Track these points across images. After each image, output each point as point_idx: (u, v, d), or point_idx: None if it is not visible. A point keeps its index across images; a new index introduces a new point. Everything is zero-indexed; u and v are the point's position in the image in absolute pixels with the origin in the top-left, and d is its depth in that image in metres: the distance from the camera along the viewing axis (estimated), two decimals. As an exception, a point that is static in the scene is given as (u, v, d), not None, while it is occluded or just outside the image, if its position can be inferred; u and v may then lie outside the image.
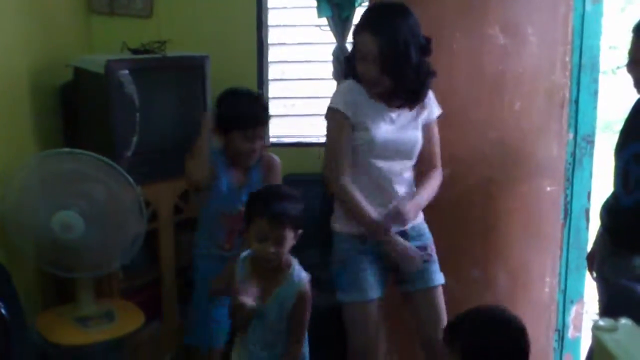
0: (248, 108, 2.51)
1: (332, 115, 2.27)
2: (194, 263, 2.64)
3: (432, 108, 2.35)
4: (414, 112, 2.31)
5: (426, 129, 2.34)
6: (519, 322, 1.69)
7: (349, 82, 2.30)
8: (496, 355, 1.65)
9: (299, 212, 2.10)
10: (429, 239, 2.37)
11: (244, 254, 2.18)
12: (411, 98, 2.26)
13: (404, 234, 2.31)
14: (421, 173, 2.37)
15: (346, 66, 2.35)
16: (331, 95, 2.32)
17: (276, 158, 2.62)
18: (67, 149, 2.49)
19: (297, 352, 2.15)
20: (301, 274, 2.14)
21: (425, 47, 2.22)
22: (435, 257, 2.37)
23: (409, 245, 2.28)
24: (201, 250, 2.61)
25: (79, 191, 2.44)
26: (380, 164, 2.26)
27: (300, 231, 2.12)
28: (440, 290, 2.37)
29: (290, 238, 2.08)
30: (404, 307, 2.43)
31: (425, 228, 2.38)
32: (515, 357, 1.66)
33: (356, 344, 2.34)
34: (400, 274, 2.35)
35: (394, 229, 2.26)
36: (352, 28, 3.17)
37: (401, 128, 2.28)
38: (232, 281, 2.19)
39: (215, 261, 2.54)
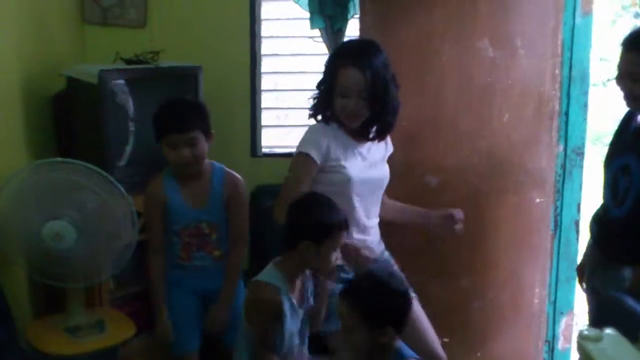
0: (165, 115, 2.44)
1: (302, 159, 2.25)
2: None
3: (389, 146, 2.44)
4: (382, 148, 2.38)
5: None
6: (403, 284, 1.96)
7: (319, 126, 2.31)
8: (388, 315, 1.88)
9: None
10: (391, 262, 2.41)
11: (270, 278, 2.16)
12: (384, 131, 2.32)
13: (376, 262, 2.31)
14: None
15: (319, 100, 2.32)
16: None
17: (240, 179, 2.55)
18: (59, 159, 2.48)
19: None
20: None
21: (395, 81, 2.28)
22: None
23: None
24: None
25: (70, 201, 2.43)
26: (356, 201, 2.29)
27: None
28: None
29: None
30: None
31: (386, 252, 2.43)
32: (401, 313, 1.91)
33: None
34: None
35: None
36: (344, 39, 3.25)
37: (373, 164, 2.34)
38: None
39: (175, 268, 2.55)
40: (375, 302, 1.86)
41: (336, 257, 2.09)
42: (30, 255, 2.44)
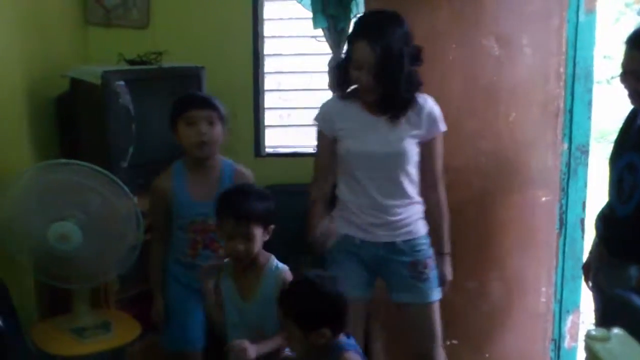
0: (186, 96, 2.51)
1: (317, 133, 2.40)
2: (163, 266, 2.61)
3: (433, 125, 2.32)
4: (405, 124, 2.30)
5: (426, 146, 2.33)
6: (337, 291, 1.92)
7: (329, 99, 2.36)
8: (322, 318, 1.88)
9: (266, 209, 2.15)
10: (423, 255, 2.34)
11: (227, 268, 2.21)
12: (400, 107, 2.26)
13: (393, 246, 2.31)
14: (424, 191, 2.38)
15: (337, 73, 2.36)
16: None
17: (248, 172, 2.54)
18: (63, 160, 2.48)
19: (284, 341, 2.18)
20: (279, 265, 2.21)
21: (416, 57, 2.24)
22: (430, 275, 2.35)
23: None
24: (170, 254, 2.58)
25: (75, 202, 2.43)
26: (361, 174, 2.29)
27: (271, 226, 2.17)
28: (431, 308, 2.37)
29: (259, 234, 2.13)
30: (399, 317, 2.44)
31: (422, 244, 2.35)
32: (336, 315, 1.90)
33: None
34: (385, 281, 2.39)
35: (383, 237, 2.31)
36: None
37: (388, 140, 2.28)
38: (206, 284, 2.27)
39: (182, 267, 2.53)
40: (307, 306, 1.88)
41: (234, 247, 2.12)
42: (36, 256, 2.45)
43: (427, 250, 2.36)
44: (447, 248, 2.39)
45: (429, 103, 2.32)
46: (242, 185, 2.32)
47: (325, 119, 2.35)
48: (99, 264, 2.53)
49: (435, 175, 2.37)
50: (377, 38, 2.17)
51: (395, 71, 2.19)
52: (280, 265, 2.20)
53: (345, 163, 2.32)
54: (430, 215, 2.38)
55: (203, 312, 2.52)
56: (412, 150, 2.30)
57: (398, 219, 2.31)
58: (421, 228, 2.36)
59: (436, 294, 2.37)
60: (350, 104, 2.30)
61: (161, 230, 2.51)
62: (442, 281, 2.38)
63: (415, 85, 2.25)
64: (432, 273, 2.36)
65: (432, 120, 2.32)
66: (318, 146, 2.40)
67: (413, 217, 2.35)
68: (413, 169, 2.33)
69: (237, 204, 2.12)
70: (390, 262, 2.34)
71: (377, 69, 2.17)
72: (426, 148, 2.33)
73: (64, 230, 2.38)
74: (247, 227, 2.10)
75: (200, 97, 2.50)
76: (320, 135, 2.37)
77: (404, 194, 2.32)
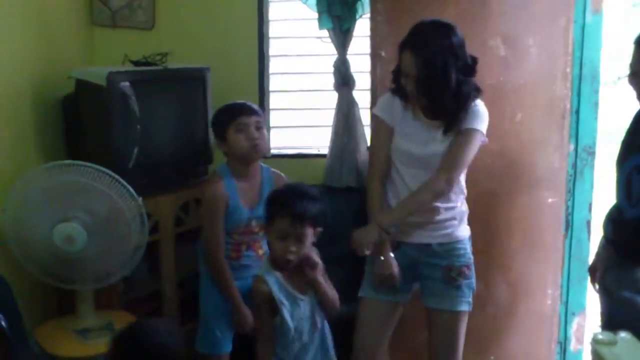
0: (232, 105, 2.57)
1: (374, 122, 2.41)
2: (201, 271, 2.63)
3: (467, 120, 2.25)
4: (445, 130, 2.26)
5: (455, 136, 2.27)
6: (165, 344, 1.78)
7: (388, 94, 2.35)
8: None
9: (318, 211, 2.17)
10: (459, 260, 2.32)
11: (265, 266, 2.22)
12: (449, 119, 2.24)
13: (428, 248, 2.30)
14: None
15: (392, 77, 2.35)
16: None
17: (284, 176, 2.64)
18: (68, 161, 2.48)
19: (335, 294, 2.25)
20: (315, 250, 2.25)
21: (468, 68, 2.21)
22: (463, 283, 2.32)
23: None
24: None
25: (80, 203, 2.44)
26: (405, 171, 2.30)
27: (319, 229, 2.19)
28: (457, 317, 2.35)
29: (310, 235, 2.16)
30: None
31: (459, 248, 2.32)
32: None
33: (355, 338, 2.38)
34: (420, 285, 2.38)
35: (418, 238, 2.31)
36: (353, 40, 3.24)
37: (427, 140, 2.26)
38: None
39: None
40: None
41: (286, 247, 2.13)
42: (41, 258, 2.45)
43: (464, 257, 2.33)
44: (382, 219, 2.26)
45: (476, 105, 2.27)
46: (295, 185, 2.31)
47: (385, 110, 2.33)
48: (103, 265, 2.53)
49: (448, 160, 2.25)
50: (420, 49, 2.17)
51: (438, 83, 2.17)
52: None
53: (393, 159, 2.33)
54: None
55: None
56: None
57: (436, 220, 2.30)
58: (460, 232, 2.34)
59: (465, 305, 2.35)
60: (404, 102, 2.30)
61: (222, 239, 2.51)
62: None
63: (464, 98, 2.21)
64: (466, 282, 2.33)
65: (469, 116, 2.25)
66: (376, 138, 2.38)
67: (452, 220, 2.32)
68: None
69: (292, 205, 2.13)
70: (425, 264, 2.34)
71: (419, 79, 2.18)
72: (456, 137, 2.26)
73: (69, 231, 2.39)
74: (302, 227, 2.13)
75: (247, 104, 2.58)
76: (381, 126, 2.34)
77: (447, 197, 2.29)
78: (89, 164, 2.44)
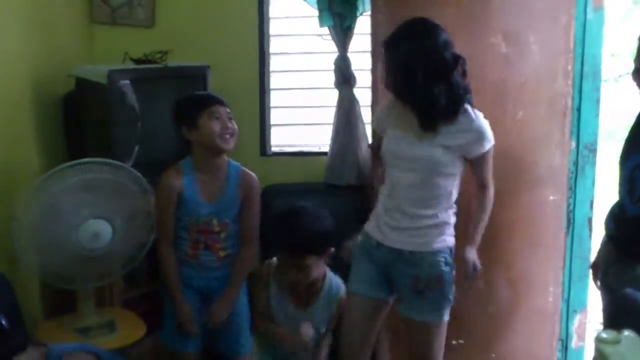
0: (204, 94, 2.58)
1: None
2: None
3: (477, 144, 2.26)
4: (441, 134, 2.24)
5: (473, 160, 2.30)
6: None
7: (388, 98, 2.37)
8: None
9: (322, 235, 2.13)
10: (430, 272, 2.27)
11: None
12: (422, 118, 2.23)
13: (399, 254, 2.28)
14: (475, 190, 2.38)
15: None
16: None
17: (255, 177, 2.57)
18: (86, 159, 2.44)
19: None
20: (337, 284, 2.26)
21: (444, 69, 2.19)
22: (432, 294, 2.28)
23: None
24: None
25: (112, 202, 2.45)
26: (393, 172, 2.30)
27: (331, 249, 2.19)
28: (424, 327, 2.33)
29: (315, 262, 2.13)
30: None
31: (433, 260, 2.28)
32: None
33: (341, 335, 2.38)
34: (396, 292, 2.37)
35: (390, 242, 2.30)
36: (353, 37, 3.23)
37: (422, 143, 2.24)
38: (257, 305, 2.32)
39: (184, 266, 2.53)
40: None
41: (291, 276, 2.18)
42: (45, 256, 2.43)
43: (435, 268, 2.28)
44: (474, 241, 2.35)
45: (477, 119, 2.25)
46: (296, 211, 2.24)
47: (376, 116, 2.44)
48: (117, 261, 2.54)
49: (484, 179, 2.35)
50: (389, 49, 2.21)
51: (403, 84, 2.21)
52: (338, 282, 2.28)
53: (385, 161, 2.35)
54: (475, 209, 2.37)
55: (203, 313, 2.52)
56: (441, 158, 2.24)
57: (412, 227, 2.27)
58: (437, 243, 2.29)
59: (434, 316, 2.31)
60: (401, 104, 2.30)
61: (170, 230, 2.51)
62: (472, 269, 2.32)
63: (433, 99, 2.18)
64: (436, 293, 2.28)
65: (478, 138, 2.25)
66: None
67: (430, 229, 2.28)
68: (445, 181, 2.26)
69: (290, 236, 2.10)
70: (396, 270, 2.32)
71: (388, 80, 2.23)
72: (473, 162, 2.31)
73: (97, 228, 2.40)
74: (302, 258, 2.10)
75: (217, 96, 2.55)
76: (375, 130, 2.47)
77: (427, 201, 2.27)
78: (107, 160, 2.46)
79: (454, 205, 2.33)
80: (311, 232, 2.12)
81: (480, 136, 2.25)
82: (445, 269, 2.29)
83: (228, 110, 2.48)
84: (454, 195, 2.32)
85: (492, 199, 2.37)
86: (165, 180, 2.48)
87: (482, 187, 2.36)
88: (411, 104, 2.24)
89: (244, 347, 2.58)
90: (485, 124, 2.27)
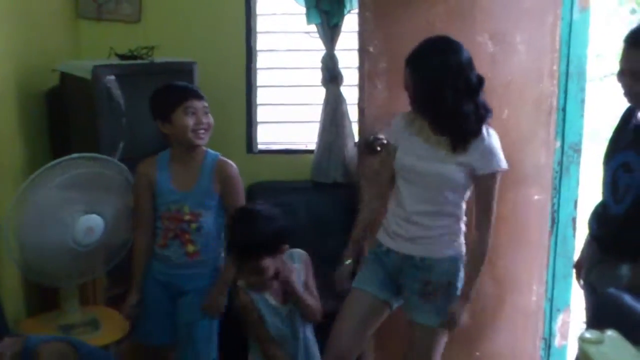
0: (181, 86, 2.50)
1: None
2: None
3: (486, 161, 2.23)
4: (454, 150, 2.24)
5: (477, 180, 2.26)
6: None
7: (401, 113, 2.38)
8: None
9: (275, 235, 2.13)
10: (440, 278, 2.29)
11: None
12: (452, 138, 2.22)
13: (411, 260, 2.31)
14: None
15: None
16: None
17: (232, 165, 2.52)
18: (75, 155, 2.42)
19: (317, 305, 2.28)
20: (297, 253, 2.27)
21: (471, 88, 2.19)
22: (440, 300, 2.30)
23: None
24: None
25: (102, 196, 2.46)
26: (402, 184, 2.32)
27: (285, 246, 2.18)
28: (429, 332, 2.33)
29: (270, 263, 2.14)
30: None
31: (440, 266, 2.30)
32: None
33: (335, 323, 2.38)
34: (403, 298, 2.40)
35: (403, 249, 2.33)
36: (341, 35, 3.23)
37: (431, 158, 2.25)
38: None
39: (154, 259, 2.53)
40: None
41: (248, 279, 2.18)
42: (31, 254, 2.40)
43: (446, 275, 2.31)
44: (467, 293, 2.29)
45: (489, 138, 2.25)
46: (247, 214, 2.22)
47: (390, 129, 2.42)
48: (100, 257, 2.53)
49: (480, 214, 2.28)
50: (416, 65, 2.19)
51: (432, 101, 2.19)
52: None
53: (396, 172, 2.35)
54: (472, 255, 2.32)
55: (169, 307, 2.52)
56: (454, 175, 2.24)
57: (422, 236, 2.29)
58: (448, 251, 2.31)
59: (430, 319, 2.32)
60: (416, 116, 2.31)
61: (144, 218, 2.50)
62: (450, 321, 2.29)
63: (463, 117, 2.19)
64: (444, 299, 2.30)
65: (486, 155, 2.23)
66: (383, 154, 2.50)
67: (439, 238, 2.30)
68: (454, 194, 2.27)
69: (242, 241, 2.11)
70: (406, 275, 2.34)
71: (416, 96, 2.23)
72: (477, 183, 2.27)
73: (91, 223, 2.40)
74: (257, 262, 2.11)
75: (194, 88, 2.53)
76: (387, 143, 2.47)
77: (437, 213, 2.28)
78: (96, 155, 2.46)
79: (464, 217, 2.34)
80: (262, 235, 2.12)
81: (488, 153, 2.23)
82: (456, 276, 2.32)
83: (205, 104, 2.45)
84: (464, 207, 2.32)
85: (486, 243, 2.28)
86: (140, 169, 2.51)
87: (476, 224, 2.29)
88: (438, 121, 2.23)
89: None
90: (496, 143, 2.25)
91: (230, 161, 2.52)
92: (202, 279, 2.50)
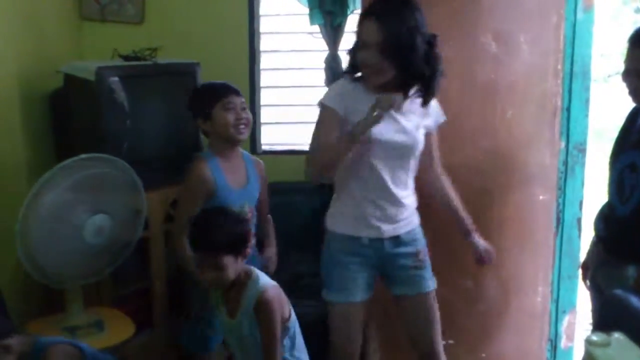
0: (220, 83, 2.55)
1: (324, 111, 2.24)
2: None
3: (438, 115, 2.34)
4: (418, 114, 2.26)
5: (430, 135, 2.34)
6: None
7: (344, 80, 2.27)
8: None
9: (237, 236, 2.13)
10: (422, 244, 2.36)
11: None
12: (423, 87, 2.20)
13: (397, 239, 2.30)
14: (423, 180, 2.37)
15: (349, 59, 2.28)
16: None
17: (262, 163, 2.67)
18: (84, 155, 2.42)
19: None
20: (264, 281, 2.19)
21: (431, 42, 2.18)
22: (427, 262, 2.36)
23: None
24: None
25: (111, 197, 2.47)
26: (377, 162, 2.23)
27: (247, 250, 2.16)
28: (431, 296, 2.36)
29: (230, 262, 2.12)
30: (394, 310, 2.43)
31: (419, 232, 2.37)
32: None
33: (337, 344, 2.35)
34: (387, 277, 2.36)
35: (391, 232, 2.29)
36: (344, 35, 3.23)
37: (401, 129, 2.23)
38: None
39: None
40: None
41: (204, 274, 2.16)
42: (50, 258, 2.41)
43: (423, 238, 2.37)
44: (474, 227, 2.42)
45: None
46: (214, 212, 2.24)
47: (337, 99, 2.21)
48: (103, 259, 2.53)
49: (441, 162, 2.39)
50: (385, 16, 2.12)
51: (407, 49, 2.12)
52: (266, 281, 2.19)
53: (361, 151, 2.21)
54: (449, 199, 2.40)
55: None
56: (422, 140, 2.29)
57: (403, 211, 2.30)
58: (417, 218, 2.37)
59: (433, 283, 2.37)
60: (363, 89, 2.22)
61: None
62: (487, 256, 2.42)
63: (435, 61, 2.17)
64: (428, 262, 2.36)
65: (437, 110, 2.33)
66: (326, 128, 2.22)
67: (412, 208, 2.35)
68: (415, 162, 2.32)
69: (204, 236, 2.12)
70: (396, 256, 2.32)
71: (385, 46, 2.11)
72: (431, 138, 2.34)
73: (101, 222, 2.42)
74: (216, 257, 2.10)
75: (232, 85, 2.56)
76: (331, 115, 2.20)
77: (408, 185, 2.31)
78: (103, 155, 2.46)
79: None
80: (230, 231, 2.13)
81: (437, 107, 2.32)
82: (425, 238, 2.39)
83: (242, 100, 2.52)
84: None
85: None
86: (194, 172, 2.46)
87: (444, 172, 2.40)
88: (407, 68, 2.15)
89: None
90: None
91: (259, 160, 2.66)
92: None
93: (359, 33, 2.20)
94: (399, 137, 2.23)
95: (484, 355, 2.79)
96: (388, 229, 2.28)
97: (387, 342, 2.72)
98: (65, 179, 2.36)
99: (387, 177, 2.25)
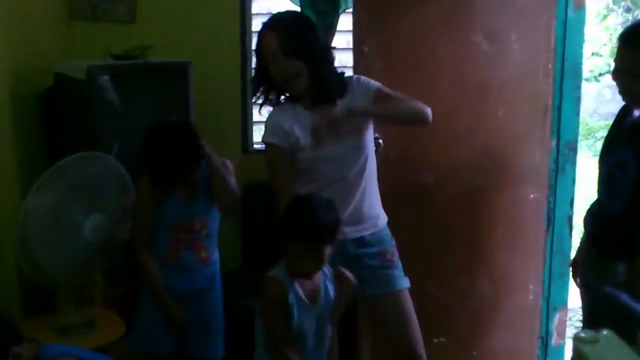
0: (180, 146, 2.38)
1: (270, 150, 2.25)
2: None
3: (367, 88, 2.27)
4: (343, 108, 2.21)
5: (380, 99, 2.25)
6: None
7: (274, 110, 2.27)
8: None
9: (334, 223, 2.05)
10: (389, 244, 2.33)
11: (277, 272, 2.11)
12: (335, 85, 2.22)
13: (361, 241, 2.29)
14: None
15: (256, 85, 2.28)
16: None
17: (229, 163, 2.51)
18: (81, 153, 2.43)
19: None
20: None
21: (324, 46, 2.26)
22: (397, 262, 2.32)
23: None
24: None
25: (107, 195, 2.48)
26: (327, 177, 2.23)
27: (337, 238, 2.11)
28: (403, 295, 2.33)
29: (329, 251, 2.06)
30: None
31: (386, 233, 2.33)
32: None
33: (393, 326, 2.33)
34: (361, 281, 2.28)
35: (353, 234, 2.26)
36: (336, 34, 3.23)
37: (336, 138, 2.20)
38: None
39: (162, 268, 2.48)
40: None
41: (303, 265, 2.06)
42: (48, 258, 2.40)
43: (390, 240, 2.34)
44: (372, 109, 2.27)
45: (353, 77, 2.31)
46: (309, 200, 2.12)
47: (276, 131, 2.21)
48: (96, 258, 2.53)
49: (409, 101, 2.26)
50: (277, 23, 2.20)
51: (307, 46, 2.17)
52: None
53: (307, 170, 2.24)
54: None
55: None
56: (369, 135, 2.26)
57: (365, 212, 2.28)
58: (383, 219, 2.34)
59: (405, 282, 2.33)
60: (292, 107, 2.24)
61: (149, 233, 2.46)
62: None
63: (332, 60, 2.25)
64: (398, 261, 2.33)
65: (363, 85, 2.27)
66: (283, 172, 2.24)
67: (377, 208, 2.32)
68: (373, 154, 2.29)
69: (308, 227, 2.02)
70: (360, 256, 2.30)
71: (289, 48, 2.14)
72: (380, 101, 2.25)
73: (98, 221, 2.43)
74: (319, 249, 2.02)
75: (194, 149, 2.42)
76: (280, 154, 2.22)
77: (367, 185, 2.28)
78: (98, 153, 2.47)
79: None
80: (327, 218, 2.04)
81: (364, 82, 2.28)
82: (393, 239, 2.35)
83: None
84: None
85: (423, 109, 2.25)
86: (142, 182, 2.44)
87: (419, 105, 2.27)
88: (315, 66, 2.18)
89: (216, 348, 2.56)
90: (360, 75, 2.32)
91: (226, 160, 2.50)
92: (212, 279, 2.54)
93: (262, 52, 2.21)
94: (336, 148, 2.21)
95: (475, 352, 2.80)
96: (349, 231, 2.25)
97: (379, 341, 2.72)
98: (61, 179, 2.35)
99: (340, 189, 2.23)
